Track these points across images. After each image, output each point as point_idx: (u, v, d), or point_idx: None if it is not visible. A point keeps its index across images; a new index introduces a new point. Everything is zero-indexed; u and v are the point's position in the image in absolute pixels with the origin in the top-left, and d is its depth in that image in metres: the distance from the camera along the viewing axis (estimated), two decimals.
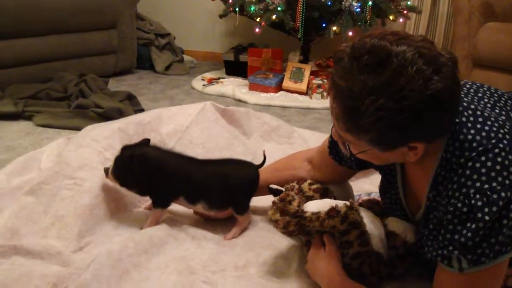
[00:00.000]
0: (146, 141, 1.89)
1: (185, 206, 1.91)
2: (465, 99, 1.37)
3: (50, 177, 1.99)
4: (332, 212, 1.51)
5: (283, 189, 1.74)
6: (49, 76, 3.70)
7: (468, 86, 1.45)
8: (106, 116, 3.01)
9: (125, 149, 1.84)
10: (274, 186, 1.78)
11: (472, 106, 1.35)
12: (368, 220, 1.61)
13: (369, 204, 1.80)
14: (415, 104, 1.18)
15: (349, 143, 1.38)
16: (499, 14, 3.56)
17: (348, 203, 1.55)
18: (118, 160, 1.82)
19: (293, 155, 2.03)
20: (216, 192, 1.84)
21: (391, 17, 4.03)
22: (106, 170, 1.86)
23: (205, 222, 1.96)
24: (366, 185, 2.26)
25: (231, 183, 1.85)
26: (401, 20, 4.18)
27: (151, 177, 1.81)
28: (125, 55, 4.38)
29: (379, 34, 1.25)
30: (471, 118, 1.32)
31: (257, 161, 1.95)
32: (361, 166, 1.69)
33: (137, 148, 1.84)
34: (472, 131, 1.30)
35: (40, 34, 3.74)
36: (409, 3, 4.16)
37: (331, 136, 1.69)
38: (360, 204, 1.81)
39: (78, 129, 2.53)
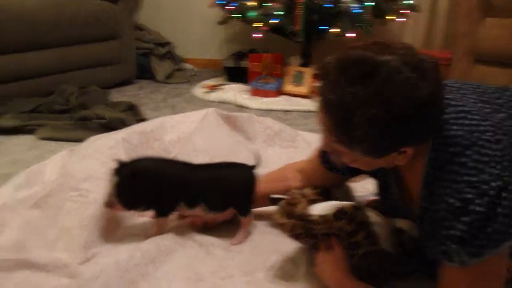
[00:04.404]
0: (132, 160, 1.85)
1: (184, 213, 1.91)
2: (447, 96, 1.38)
3: (54, 189, 1.99)
4: (339, 213, 1.51)
5: (284, 197, 1.73)
6: (50, 89, 3.69)
7: (450, 84, 1.46)
8: (108, 127, 3.01)
9: (120, 171, 1.78)
10: (275, 196, 1.78)
11: (454, 102, 1.36)
12: (375, 220, 1.60)
13: (375, 204, 1.79)
14: (405, 111, 1.20)
15: (340, 153, 1.38)
16: (498, 9, 3.55)
17: (354, 203, 1.54)
18: (119, 184, 1.77)
19: (284, 167, 2.04)
20: (216, 194, 1.83)
21: (390, 17, 4.02)
22: (110, 203, 1.78)
23: (203, 230, 1.95)
24: (371, 185, 2.24)
25: (230, 184, 1.85)
26: (400, 19, 4.17)
27: (153, 188, 1.80)
28: (125, 65, 4.38)
29: (362, 45, 1.27)
30: (453, 115, 1.33)
31: (263, 166, 1.94)
32: (353, 173, 1.70)
33: (132, 165, 1.81)
34: (455, 127, 1.31)
35: (40, 47, 3.75)
36: (408, 1, 4.15)
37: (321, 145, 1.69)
38: (366, 204, 1.80)
39: (81, 141, 2.53)
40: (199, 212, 1.86)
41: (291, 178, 1.89)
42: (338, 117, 1.27)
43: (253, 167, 1.89)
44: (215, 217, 1.91)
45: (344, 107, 1.23)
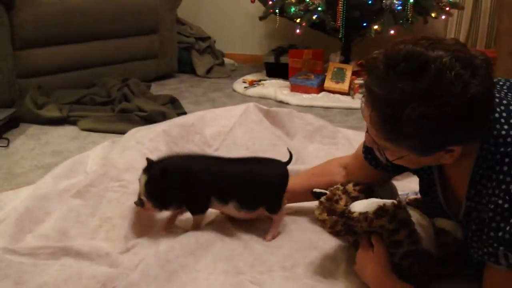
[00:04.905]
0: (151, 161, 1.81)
1: (216, 208, 1.89)
2: (497, 95, 1.35)
3: (96, 179, 2.02)
4: (380, 211, 1.49)
5: (327, 192, 1.72)
6: (92, 82, 3.75)
7: (501, 83, 1.43)
8: (149, 119, 3.03)
9: (150, 169, 1.77)
10: (317, 190, 1.76)
11: (505, 102, 1.33)
12: (417, 218, 1.58)
13: (417, 203, 1.77)
14: (456, 109, 1.18)
15: (385, 149, 1.37)
16: None
17: (395, 201, 1.52)
18: (149, 183, 1.75)
19: (328, 161, 2.02)
20: (247, 191, 1.81)
21: (433, 14, 3.97)
22: (140, 202, 1.77)
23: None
24: (413, 184, 2.22)
25: (261, 182, 1.82)
26: (443, 17, 4.11)
27: (183, 186, 1.77)
28: (166, 59, 4.41)
29: (412, 40, 1.24)
30: (504, 114, 1.30)
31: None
32: (398, 170, 1.67)
33: (161, 163, 1.79)
34: (506, 126, 1.28)
35: (83, 40, 3.80)
36: None
37: (365, 141, 1.67)
38: (408, 203, 1.78)
39: (122, 132, 2.56)
40: (232, 210, 1.84)
41: (336, 173, 1.88)
42: (386, 112, 1.25)
43: (286, 163, 1.87)
44: (248, 216, 1.89)
45: (392, 103, 1.22)
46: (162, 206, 1.80)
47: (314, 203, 1.70)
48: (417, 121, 1.19)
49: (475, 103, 1.18)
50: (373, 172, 1.74)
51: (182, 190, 1.78)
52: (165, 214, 1.92)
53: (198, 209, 1.85)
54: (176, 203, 1.82)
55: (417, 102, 1.18)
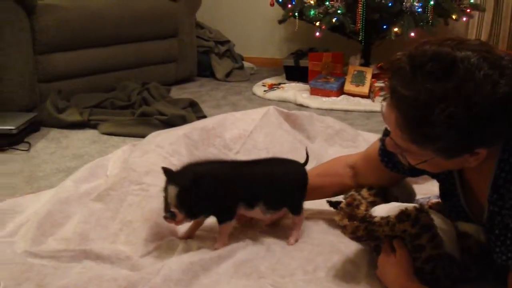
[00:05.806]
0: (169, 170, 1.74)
1: (243, 213, 1.84)
2: None
3: (117, 183, 2.02)
4: (402, 215, 1.48)
5: (343, 200, 1.70)
6: (112, 86, 3.77)
7: None
8: (169, 123, 3.04)
9: (176, 180, 1.68)
10: (333, 200, 1.75)
11: None
12: (439, 222, 1.56)
13: (439, 207, 1.75)
14: (485, 110, 1.16)
15: (408, 153, 1.34)
16: None
17: (417, 205, 1.51)
18: (181, 194, 1.66)
19: (334, 160, 2.01)
20: (272, 193, 1.79)
21: (453, 16, 3.94)
22: (171, 215, 1.67)
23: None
24: (435, 188, 2.19)
25: (285, 182, 1.81)
26: (464, 19, 4.08)
27: (215, 193, 1.72)
28: (185, 63, 4.42)
29: (437, 41, 1.23)
30: None
31: None
32: (415, 173, 1.66)
33: (190, 172, 1.72)
34: None
35: (103, 44, 3.82)
36: (472, 0, 4.06)
37: (382, 144, 1.64)
38: (430, 207, 1.76)
39: (142, 136, 2.56)
40: (258, 214, 1.82)
41: (343, 173, 1.86)
42: (413, 114, 1.23)
43: (303, 164, 1.86)
44: (271, 218, 1.87)
45: (420, 104, 1.20)
46: (193, 216, 1.76)
47: (321, 206, 1.69)
48: (446, 122, 1.18)
49: (504, 103, 1.17)
50: (385, 174, 1.71)
51: (213, 197, 1.72)
52: None
53: (227, 216, 1.79)
54: (206, 211, 1.77)
55: (445, 103, 1.17)
